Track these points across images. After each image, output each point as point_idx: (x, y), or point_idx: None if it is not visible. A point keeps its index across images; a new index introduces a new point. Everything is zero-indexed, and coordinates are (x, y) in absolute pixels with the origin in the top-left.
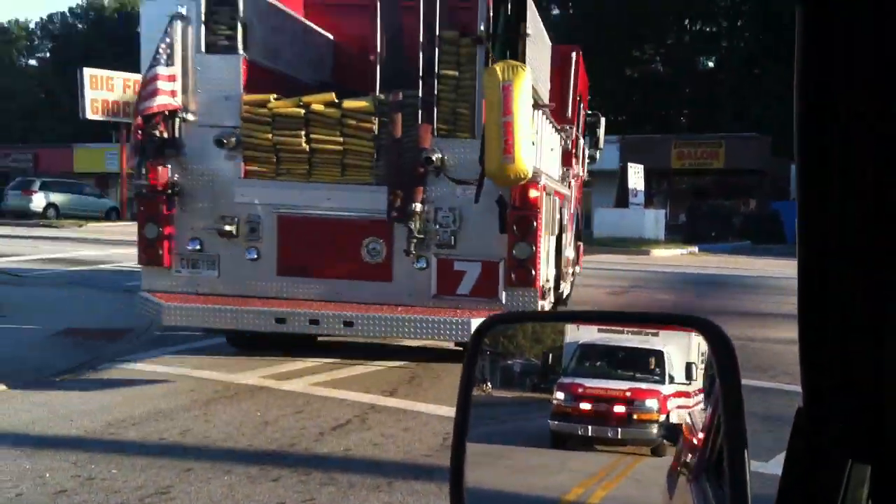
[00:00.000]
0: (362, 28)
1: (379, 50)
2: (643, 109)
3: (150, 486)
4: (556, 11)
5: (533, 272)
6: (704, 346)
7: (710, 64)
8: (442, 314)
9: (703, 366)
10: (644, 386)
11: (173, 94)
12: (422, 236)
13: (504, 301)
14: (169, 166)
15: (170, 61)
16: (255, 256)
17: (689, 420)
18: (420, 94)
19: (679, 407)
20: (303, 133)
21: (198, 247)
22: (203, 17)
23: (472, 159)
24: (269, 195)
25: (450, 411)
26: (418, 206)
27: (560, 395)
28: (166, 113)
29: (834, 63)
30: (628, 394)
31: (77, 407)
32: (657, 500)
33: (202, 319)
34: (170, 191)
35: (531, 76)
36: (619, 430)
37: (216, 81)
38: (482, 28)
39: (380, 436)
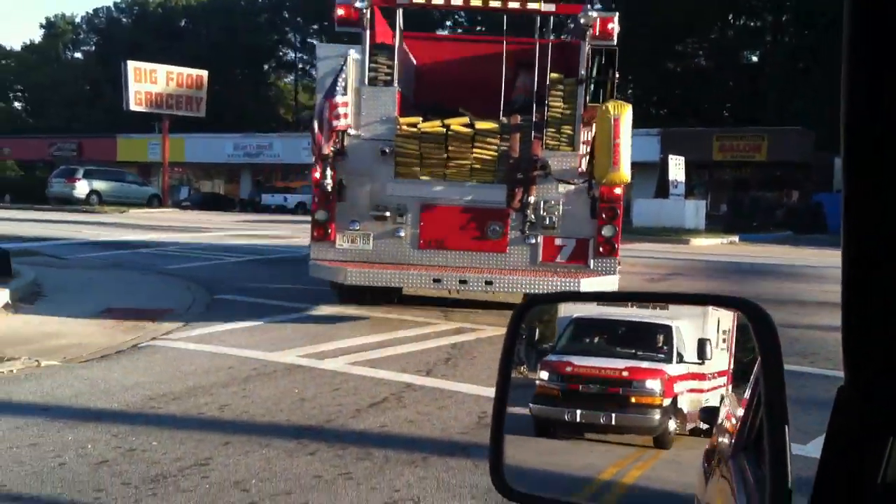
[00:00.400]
0: (481, 61)
1: (504, 83)
2: (685, 103)
3: (190, 458)
4: (598, 5)
5: (616, 246)
6: (725, 324)
7: (754, 58)
8: (550, 276)
9: (723, 344)
10: (645, 365)
11: (346, 116)
12: (533, 220)
13: (592, 266)
14: (337, 168)
15: (344, 92)
16: (402, 234)
17: (723, 402)
18: (534, 119)
19: (691, 391)
20: (443, 146)
21: (357, 227)
22: (367, 59)
23: (572, 166)
24: (414, 190)
25: (485, 391)
26: (532, 199)
27: (544, 375)
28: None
29: (883, 55)
30: (625, 373)
31: (118, 382)
32: (693, 481)
33: (376, 279)
34: (337, 186)
35: (630, 112)
36: (614, 415)
37: (377, 107)
38: (582, 72)
39: (416, 413)
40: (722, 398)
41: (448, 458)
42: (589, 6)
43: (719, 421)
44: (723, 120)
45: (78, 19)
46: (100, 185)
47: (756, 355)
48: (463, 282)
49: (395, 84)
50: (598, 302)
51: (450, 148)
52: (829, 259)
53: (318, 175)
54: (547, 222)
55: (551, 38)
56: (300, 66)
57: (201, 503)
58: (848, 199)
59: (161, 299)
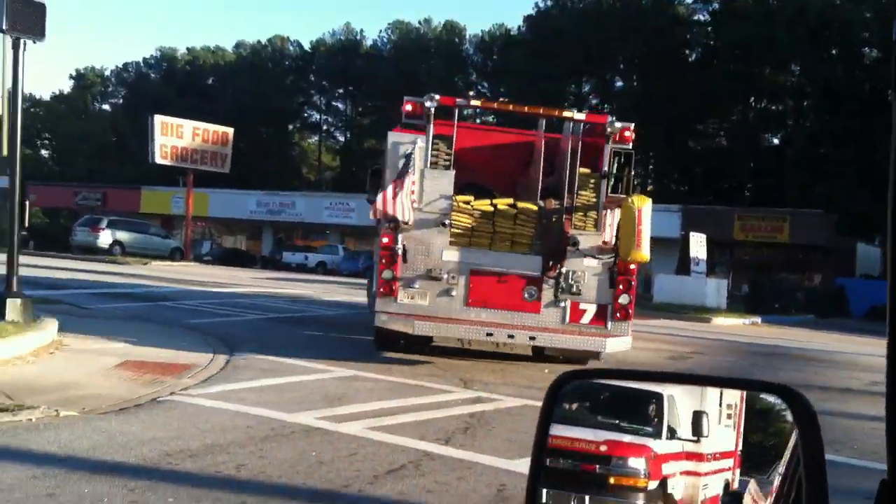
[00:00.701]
0: (518, 153)
1: (543, 171)
2: (705, 180)
3: None
4: (619, 83)
5: (630, 312)
6: (730, 397)
7: (776, 140)
8: (577, 335)
9: (728, 420)
10: (628, 439)
11: (413, 192)
12: (563, 287)
13: (609, 328)
14: (401, 235)
15: (412, 173)
16: (454, 294)
17: (750, 489)
18: (565, 204)
19: (685, 473)
20: (491, 221)
21: (416, 286)
22: (430, 147)
23: (596, 244)
24: (464, 257)
25: (504, 463)
26: (563, 269)
27: None
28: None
29: None
30: (603, 447)
31: (136, 436)
32: None
33: (439, 331)
34: (401, 250)
35: (650, 204)
36: (587, 498)
37: (437, 187)
38: (605, 168)
39: (434, 483)
40: (742, 482)
41: None
42: (613, 118)
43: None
44: (743, 199)
45: (107, 72)
46: (123, 235)
47: (782, 441)
48: (511, 336)
49: (452, 168)
50: (632, 380)
51: (496, 223)
52: (851, 345)
53: (387, 241)
54: (574, 289)
55: (579, 137)
56: (324, 127)
57: None
58: (893, 287)
59: (181, 354)
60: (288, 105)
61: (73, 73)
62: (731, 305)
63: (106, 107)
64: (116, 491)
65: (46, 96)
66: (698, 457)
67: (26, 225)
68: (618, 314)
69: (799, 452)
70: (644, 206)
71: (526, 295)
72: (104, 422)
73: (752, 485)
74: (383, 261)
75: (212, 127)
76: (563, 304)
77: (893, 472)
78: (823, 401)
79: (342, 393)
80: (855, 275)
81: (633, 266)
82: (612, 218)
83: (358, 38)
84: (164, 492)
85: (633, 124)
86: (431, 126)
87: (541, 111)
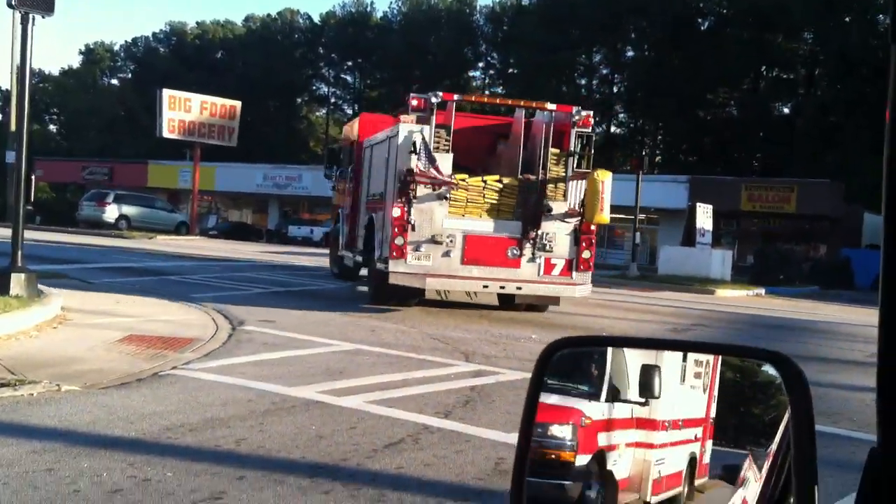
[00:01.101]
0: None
1: (527, 149)
2: (714, 151)
3: (204, 491)
4: (630, 53)
5: (591, 264)
6: (699, 355)
7: (786, 110)
8: (550, 284)
9: (696, 381)
10: (554, 400)
11: (417, 173)
12: (538, 246)
13: (574, 278)
14: (411, 208)
15: (420, 157)
16: (452, 255)
17: (747, 458)
18: (539, 178)
19: (634, 445)
20: (482, 194)
21: (422, 250)
22: (432, 134)
23: (564, 211)
24: (459, 224)
25: (503, 436)
26: (538, 232)
27: None
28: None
29: None
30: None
31: (137, 410)
32: None
33: (445, 286)
34: (410, 221)
35: (611, 176)
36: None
37: (435, 168)
38: (571, 148)
39: (432, 456)
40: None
41: None
42: (578, 108)
43: (740, 477)
44: (752, 170)
45: (116, 47)
46: (129, 210)
47: (780, 412)
48: (502, 287)
49: (450, 152)
50: (622, 347)
51: (485, 195)
52: (855, 316)
53: (398, 213)
54: (547, 248)
55: (550, 123)
56: (332, 100)
57: None
58: (888, 261)
59: (184, 328)
60: (296, 78)
61: (82, 48)
62: (735, 277)
63: (115, 82)
64: (116, 465)
65: (55, 71)
66: (651, 424)
67: (32, 200)
68: (581, 266)
69: (790, 422)
70: (606, 178)
71: (509, 254)
72: (105, 396)
73: (750, 458)
74: (396, 229)
75: (219, 101)
76: (538, 260)
77: (882, 441)
78: (824, 372)
79: (343, 367)
80: (861, 245)
81: (593, 227)
82: (578, 188)
83: (368, 10)
84: (164, 466)
85: (592, 112)
86: (434, 117)
87: (521, 103)
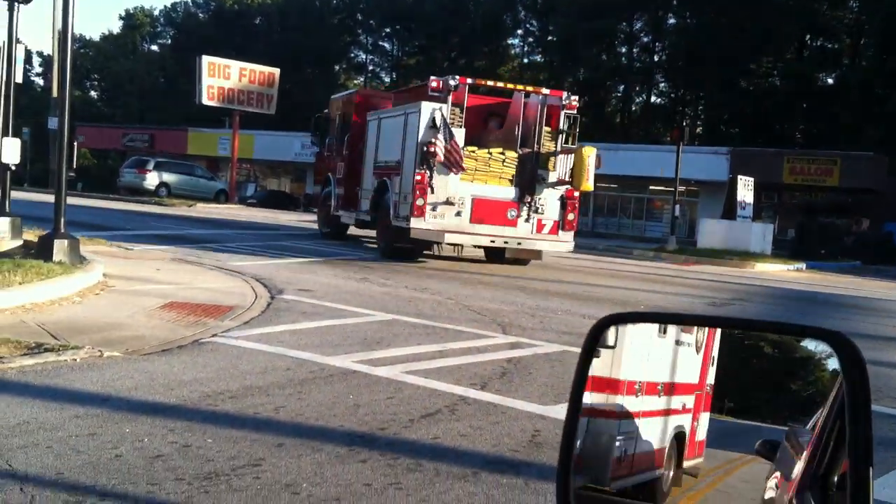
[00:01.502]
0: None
1: (523, 126)
2: (756, 122)
3: (243, 458)
4: (672, 20)
5: (575, 224)
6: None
7: (830, 81)
8: (541, 240)
9: (688, 338)
10: None
11: (438, 146)
12: (532, 209)
13: (560, 236)
14: (432, 175)
15: (437, 132)
16: (462, 215)
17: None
18: (534, 151)
19: (591, 413)
20: (488, 164)
21: (437, 210)
22: (449, 111)
23: (554, 180)
24: (469, 189)
25: (539, 409)
26: (532, 197)
27: None
28: (436, 155)
29: None
30: None
31: (177, 377)
32: None
33: (457, 240)
34: (430, 186)
35: (595, 151)
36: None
37: (452, 143)
38: (560, 126)
39: (468, 427)
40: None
41: (499, 476)
42: (568, 93)
43: (779, 455)
44: (794, 142)
45: (156, 12)
46: (169, 177)
47: (820, 390)
48: (506, 242)
49: (462, 127)
50: (670, 324)
51: (490, 165)
52: None
53: (420, 178)
54: (539, 210)
55: (544, 105)
56: (370, 67)
57: (252, 503)
58: None
59: (224, 296)
60: (334, 45)
61: (123, 14)
62: (775, 251)
63: (155, 47)
64: (157, 431)
65: (96, 37)
66: (612, 386)
67: (74, 167)
68: (566, 226)
69: (844, 402)
70: (591, 153)
71: (509, 214)
72: (147, 363)
73: (790, 433)
74: (418, 192)
75: (258, 67)
76: (532, 221)
77: None
78: (865, 349)
79: (381, 337)
80: None
81: (577, 194)
82: (566, 162)
83: None
84: (204, 433)
85: (577, 96)
86: (450, 97)
87: (519, 87)
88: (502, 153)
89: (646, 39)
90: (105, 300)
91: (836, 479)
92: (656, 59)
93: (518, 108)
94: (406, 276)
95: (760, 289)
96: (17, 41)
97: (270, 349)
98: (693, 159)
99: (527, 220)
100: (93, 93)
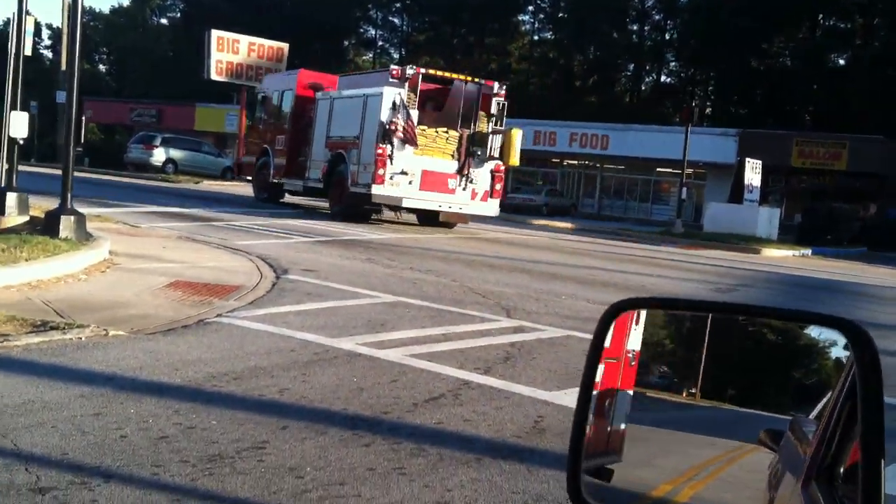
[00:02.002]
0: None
1: (462, 110)
2: (766, 103)
3: (247, 440)
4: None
5: (501, 193)
6: None
7: (841, 62)
8: (474, 205)
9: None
10: None
11: (398, 124)
12: (468, 179)
13: (488, 203)
14: (390, 149)
15: (397, 113)
16: (413, 183)
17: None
18: (471, 131)
19: None
20: (434, 140)
21: (394, 179)
22: (407, 95)
23: (486, 156)
24: (420, 162)
25: (542, 394)
26: (468, 170)
27: None
28: (396, 132)
29: None
30: None
31: (182, 357)
32: None
33: (411, 204)
34: (390, 157)
35: (521, 132)
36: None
37: (409, 122)
38: (491, 111)
39: (472, 412)
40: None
41: (502, 462)
42: (498, 83)
43: (783, 444)
44: (803, 124)
45: None
46: (176, 153)
47: (824, 378)
48: (450, 207)
49: (417, 108)
50: (682, 310)
51: (436, 142)
52: None
53: (381, 151)
54: (473, 181)
55: (479, 91)
56: (379, 43)
57: (256, 487)
58: None
59: (229, 275)
60: (343, 20)
61: None
62: (781, 236)
63: (164, 21)
64: (161, 412)
65: (106, 9)
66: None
67: (82, 142)
68: (493, 195)
69: (857, 391)
70: (517, 134)
71: (450, 184)
72: (152, 342)
73: (794, 423)
74: (379, 163)
75: (267, 42)
76: (468, 190)
77: None
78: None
79: (385, 319)
80: None
81: (502, 168)
82: (496, 141)
83: None
84: (208, 414)
85: (506, 85)
86: (407, 84)
87: (460, 77)
88: (447, 132)
89: (657, 17)
90: (111, 278)
91: (842, 470)
92: (667, 37)
93: (459, 94)
94: (411, 257)
95: (766, 274)
96: (27, 13)
97: (275, 330)
98: (701, 141)
99: (464, 189)
100: (101, 66)
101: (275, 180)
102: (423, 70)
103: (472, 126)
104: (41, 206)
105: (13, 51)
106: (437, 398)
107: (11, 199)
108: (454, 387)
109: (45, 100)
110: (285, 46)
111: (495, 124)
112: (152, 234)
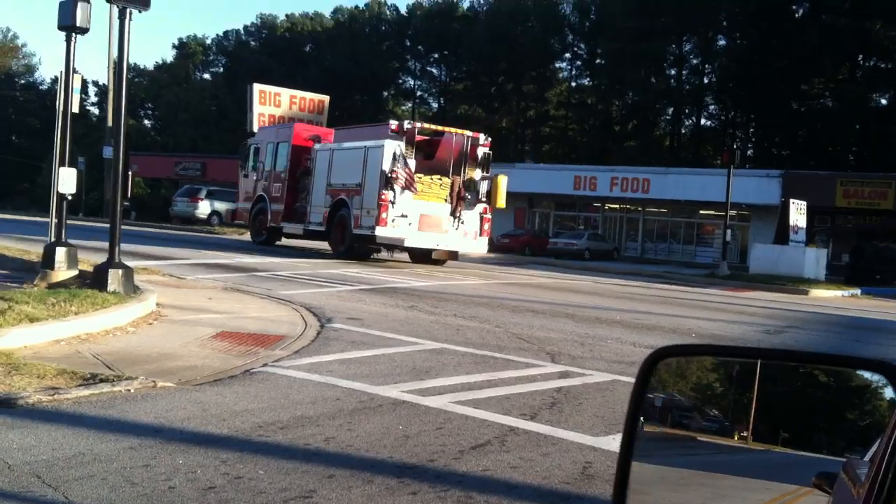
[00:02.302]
0: (435, 148)
1: (454, 159)
2: (808, 144)
3: (294, 490)
4: (721, 42)
5: (488, 233)
6: None
7: (883, 101)
8: (466, 244)
9: None
10: None
11: (399, 173)
12: (460, 221)
13: (477, 242)
14: (392, 195)
15: (397, 163)
16: (411, 225)
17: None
18: (462, 178)
19: None
20: (430, 187)
21: (395, 221)
22: (405, 147)
23: (475, 200)
24: (418, 206)
25: (590, 440)
26: (460, 212)
27: None
28: (398, 180)
29: None
30: None
31: (229, 407)
32: None
33: (412, 243)
34: (392, 202)
35: (506, 178)
36: None
37: (408, 170)
38: (479, 159)
39: (518, 459)
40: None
41: None
42: (483, 135)
43: (836, 487)
44: (847, 164)
45: (209, 41)
46: (221, 205)
47: (877, 420)
48: (445, 245)
49: (414, 158)
50: (724, 356)
51: (432, 188)
52: None
53: (388, 198)
54: (464, 222)
55: (468, 142)
56: (418, 93)
57: None
58: None
59: (274, 325)
60: (383, 71)
61: (176, 43)
62: (829, 277)
63: (207, 76)
64: (209, 462)
65: (150, 66)
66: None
67: (129, 196)
68: (482, 234)
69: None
70: (503, 180)
71: (444, 225)
72: (199, 393)
73: (848, 465)
74: (383, 207)
75: (308, 95)
76: (459, 230)
77: None
78: None
79: (429, 366)
80: None
81: (490, 211)
82: (483, 186)
83: (455, 0)
84: (255, 464)
85: (490, 138)
86: (405, 137)
87: (451, 130)
88: (440, 178)
89: (695, 61)
90: (158, 330)
91: None
92: (706, 81)
93: (449, 144)
94: (454, 304)
95: (815, 315)
96: (74, 71)
97: (320, 379)
98: (744, 182)
99: (457, 230)
100: (146, 121)
101: (272, 224)
102: (418, 125)
103: (461, 173)
104: (90, 259)
105: (61, 108)
106: (483, 445)
107: (61, 253)
108: (500, 433)
109: (91, 154)
110: (326, 98)
111: (483, 171)
112: (198, 285)
